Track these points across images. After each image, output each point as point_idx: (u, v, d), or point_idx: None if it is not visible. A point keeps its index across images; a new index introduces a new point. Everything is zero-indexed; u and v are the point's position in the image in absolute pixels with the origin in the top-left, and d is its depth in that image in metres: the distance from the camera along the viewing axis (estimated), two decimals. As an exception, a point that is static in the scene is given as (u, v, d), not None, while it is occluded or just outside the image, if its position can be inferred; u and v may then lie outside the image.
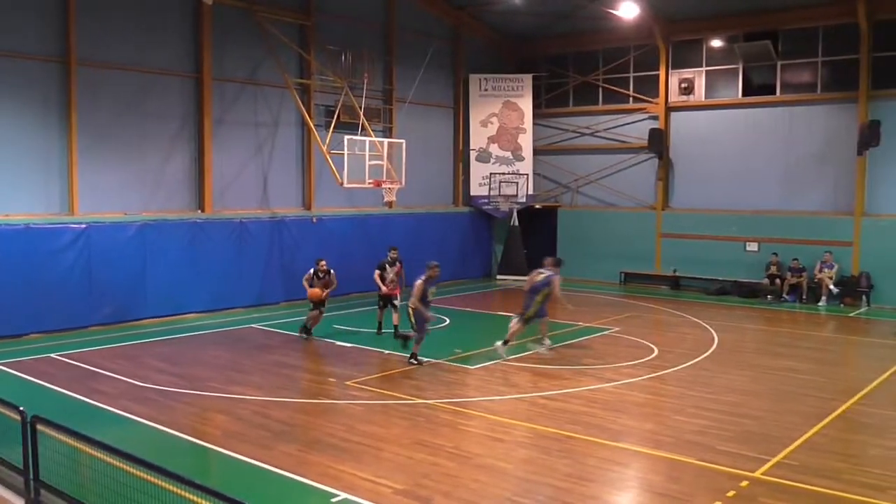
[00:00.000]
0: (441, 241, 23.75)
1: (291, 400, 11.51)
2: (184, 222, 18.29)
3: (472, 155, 26.16)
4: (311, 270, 15.67)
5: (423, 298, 13.53)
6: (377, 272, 15.95)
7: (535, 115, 26.37)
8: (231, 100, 19.61)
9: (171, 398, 11.47)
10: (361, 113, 20.13)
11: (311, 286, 15.57)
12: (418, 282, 13.52)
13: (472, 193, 26.21)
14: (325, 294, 15.64)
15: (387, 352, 14.71)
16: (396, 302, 16.00)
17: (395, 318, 15.95)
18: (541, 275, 14.61)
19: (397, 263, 16.16)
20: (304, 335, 15.73)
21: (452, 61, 25.68)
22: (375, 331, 16.23)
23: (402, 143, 20.42)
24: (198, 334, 16.38)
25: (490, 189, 25.97)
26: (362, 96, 20.44)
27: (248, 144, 20.08)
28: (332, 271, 15.69)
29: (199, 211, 18.93)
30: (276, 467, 8.62)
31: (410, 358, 13.68)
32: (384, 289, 15.88)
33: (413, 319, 13.65)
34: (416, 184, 22.40)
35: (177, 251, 17.99)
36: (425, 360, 13.70)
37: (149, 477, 6.43)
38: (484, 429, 10.28)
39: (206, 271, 18.49)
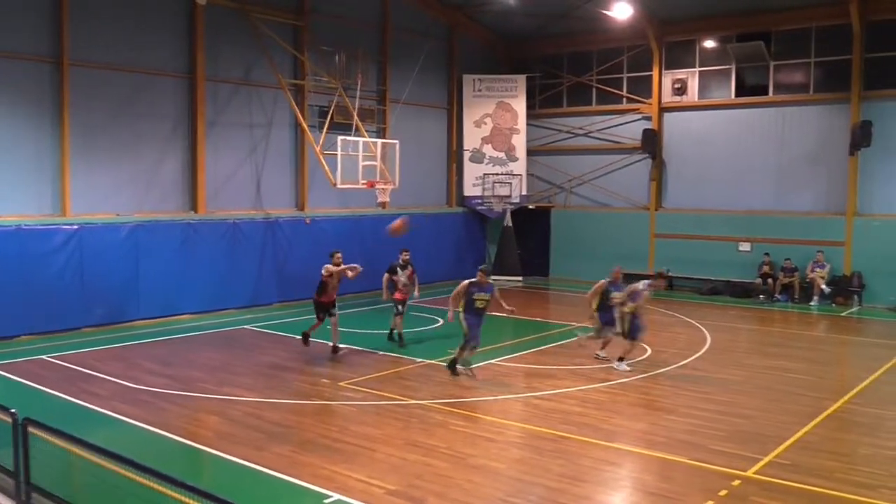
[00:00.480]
0: (435, 242, 23.75)
1: (284, 401, 11.49)
2: (177, 223, 18.24)
3: (466, 155, 26.17)
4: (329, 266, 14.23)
5: (469, 303, 12.60)
6: (387, 275, 15.42)
7: (528, 116, 26.39)
8: (225, 100, 19.58)
9: (164, 400, 11.44)
10: (355, 113, 20.13)
11: (327, 287, 14.30)
12: (465, 282, 12.82)
13: (465, 194, 26.22)
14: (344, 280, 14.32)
15: (380, 352, 14.70)
16: (404, 308, 15.47)
17: (399, 322, 15.39)
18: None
19: (409, 267, 15.57)
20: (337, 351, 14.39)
21: (447, 61, 25.69)
22: (388, 337, 15.59)
23: (395, 143, 20.41)
24: (191, 335, 16.34)
25: (484, 189, 25.98)
26: (356, 97, 20.44)
27: (241, 145, 20.05)
28: (341, 266, 14.23)
29: (192, 212, 18.89)
30: (269, 468, 8.60)
31: (450, 366, 12.97)
32: (394, 295, 15.26)
33: (463, 325, 12.72)
34: (410, 184, 22.39)
35: (170, 252, 17.94)
36: (464, 368, 12.88)
37: (141, 479, 6.42)
38: (477, 429, 10.29)
39: (199, 272, 18.44)
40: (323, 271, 14.22)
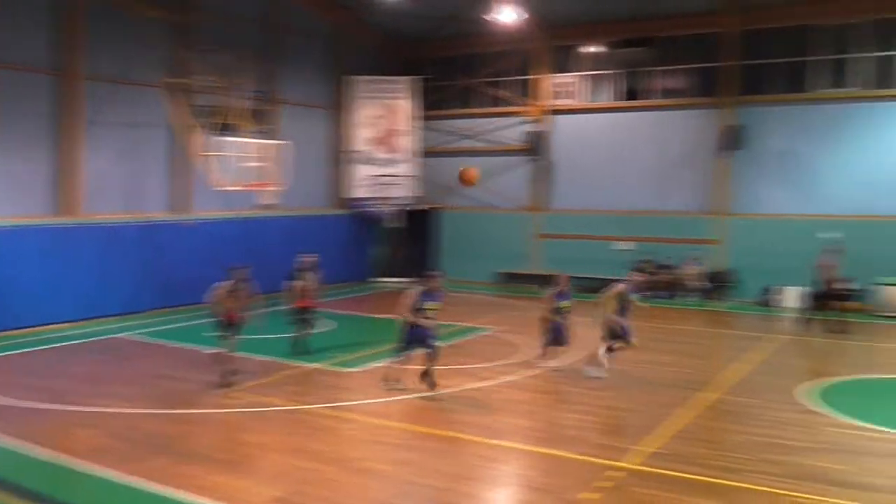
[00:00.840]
0: (321, 244, 23.22)
1: (164, 411, 11.06)
2: (48, 227, 17.29)
3: (354, 157, 25.99)
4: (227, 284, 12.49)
5: (419, 314, 11.67)
6: (290, 282, 14.45)
7: (418, 118, 26.45)
8: (102, 99, 18.66)
9: (34, 414, 10.80)
10: (240, 114, 19.62)
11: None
12: (413, 291, 11.84)
13: (352, 196, 26.02)
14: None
15: (267, 358, 14.34)
16: (310, 316, 14.67)
17: (306, 331, 14.70)
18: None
19: (315, 270, 14.68)
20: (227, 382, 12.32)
21: (335, 62, 25.45)
22: (293, 347, 14.65)
23: (282, 144, 20.04)
24: (64, 345, 15.49)
25: (371, 191, 25.84)
26: (241, 97, 19.91)
27: (120, 146, 19.20)
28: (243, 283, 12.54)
29: (66, 216, 17.96)
30: (147, 481, 8.24)
31: (427, 383, 12.00)
32: (297, 302, 14.39)
33: (400, 334, 11.88)
34: (297, 186, 22.02)
35: (41, 258, 16.96)
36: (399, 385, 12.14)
37: (9, 499, 6.05)
38: (364, 432, 10.23)
39: (73, 279, 17.53)
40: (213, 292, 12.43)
